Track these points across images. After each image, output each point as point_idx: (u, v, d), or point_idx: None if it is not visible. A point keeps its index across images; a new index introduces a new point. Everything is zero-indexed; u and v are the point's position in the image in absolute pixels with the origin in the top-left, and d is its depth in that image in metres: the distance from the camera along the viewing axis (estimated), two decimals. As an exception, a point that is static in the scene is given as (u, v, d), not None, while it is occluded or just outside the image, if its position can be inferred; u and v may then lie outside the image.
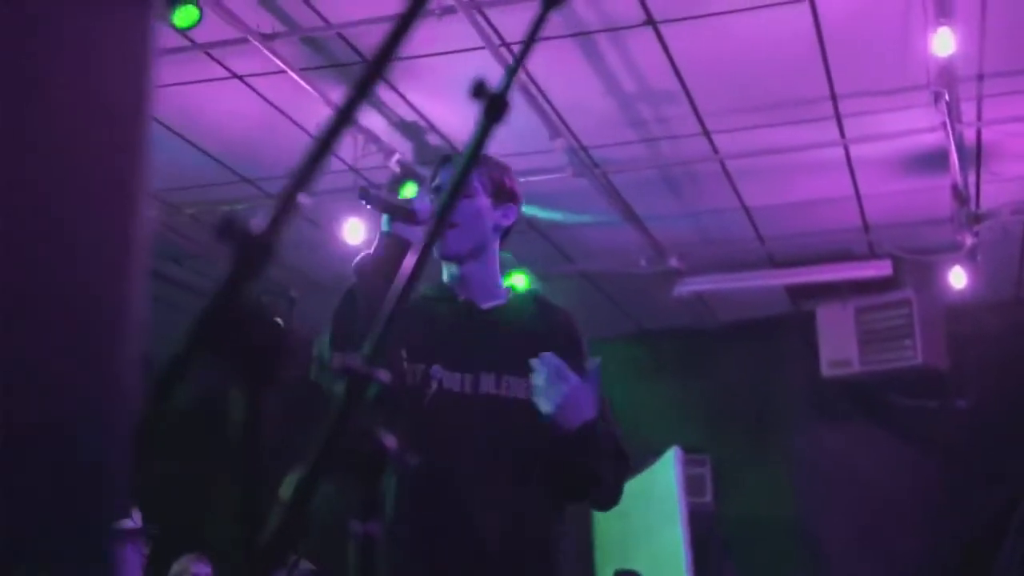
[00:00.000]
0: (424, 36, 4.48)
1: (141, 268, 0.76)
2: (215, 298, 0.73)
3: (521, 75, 4.80)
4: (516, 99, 4.83)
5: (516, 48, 4.79)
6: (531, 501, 2.38)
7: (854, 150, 5.70)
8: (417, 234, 2.43)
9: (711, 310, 8.07)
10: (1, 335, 0.73)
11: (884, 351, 7.17)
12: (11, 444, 0.74)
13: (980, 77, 4.93)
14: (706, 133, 5.53)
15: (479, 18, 4.31)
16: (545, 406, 2.33)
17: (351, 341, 2.27)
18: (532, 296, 2.69)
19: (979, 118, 5.32)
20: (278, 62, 4.58)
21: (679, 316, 7.94)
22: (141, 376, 0.77)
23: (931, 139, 5.36)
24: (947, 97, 4.65)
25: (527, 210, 6.28)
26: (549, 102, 5.13)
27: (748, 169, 5.91)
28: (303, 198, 0.79)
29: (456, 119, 5.25)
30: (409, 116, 5.30)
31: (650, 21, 4.50)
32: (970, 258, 6.41)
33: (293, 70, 4.65)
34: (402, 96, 5.11)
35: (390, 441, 0.94)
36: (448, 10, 4.19)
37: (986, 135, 5.52)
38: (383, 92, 5.08)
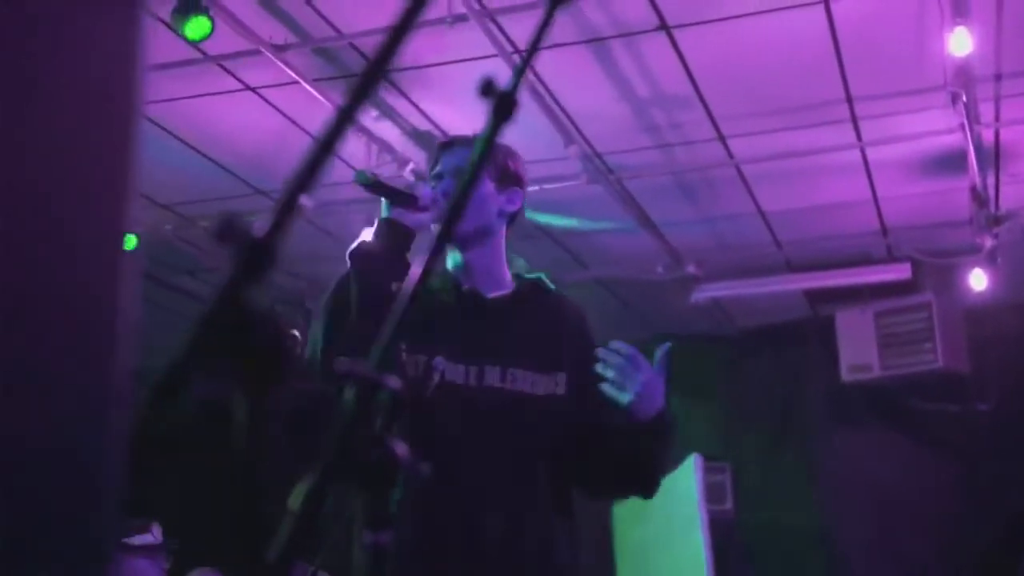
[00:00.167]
0: (436, 44, 4.47)
1: (132, 267, 0.74)
2: (216, 301, 0.71)
3: (534, 82, 4.78)
4: (530, 106, 4.84)
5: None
6: (534, 500, 2.29)
7: (871, 153, 5.66)
8: (418, 220, 2.35)
9: (729, 316, 8.04)
10: (1, 335, 0.72)
11: (904, 355, 7.12)
12: (11, 444, 0.73)
13: (998, 77, 4.89)
14: (721, 138, 5.50)
15: (491, 26, 4.30)
16: (623, 396, 2.26)
17: (344, 331, 2.20)
18: (540, 285, 2.55)
19: (997, 119, 5.27)
20: (291, 73, 4.57)
21: (697, 323, 7.90)
22: (134, 376, 0.75)
23: (949, 140, 5.31)
24: (965, 98, 4.61)
25: (542, 218, 6.27)
26: (563, 109, 5.11)
27: (764, 173, 5.88)
28: (306, 201, 0.77)
29: (470, 127, 5.20)
30: (423, 125, 5.28)
31: (663, 26, 4.48)
32: (990, 260, 6.36)
33: (306, 81, 4.64)
34: (415, 105, 5.10)
35: (402, 449, 0.91)
36: (460, 18, 4.17)
37: (1004, 136, 5.47)
38: (396, 101, 5.07)
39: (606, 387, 2.27)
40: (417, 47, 4.49)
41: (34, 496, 0.74)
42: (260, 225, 0.73)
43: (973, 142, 5.03)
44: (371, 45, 4.57)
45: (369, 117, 5.12)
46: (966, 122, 4.82)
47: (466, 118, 5.18)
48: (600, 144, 5.53)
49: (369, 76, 0.78)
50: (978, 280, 6.49)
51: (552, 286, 2.55)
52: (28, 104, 0.74)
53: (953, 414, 7.55)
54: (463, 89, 4.82)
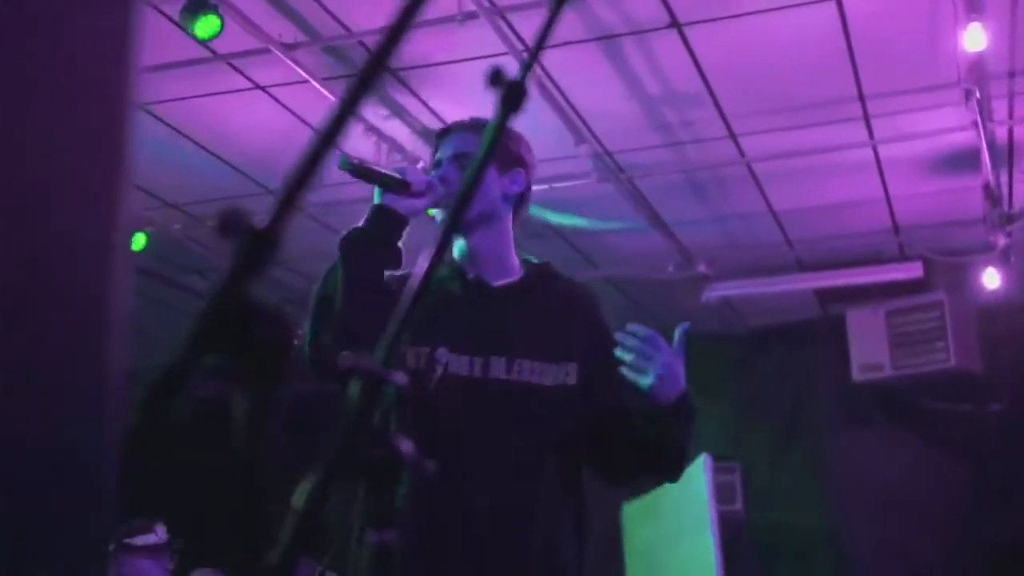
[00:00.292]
0: (446, 42, 4.46)
1: (126, 265, 0.73)
2: (216, 295, 0.69)
3: (545, 80, 4.76)
4: (540, 104, 4.81)
5: (540, 54, 4.75)
6: (541, 494, 2.21)
7: (883, 151, 5.63)
8: (411, 206, 2.26)
9: (740, 316, 8.01)
10: (1, 335, 0.71)
11: (916, 354, 7.08)
12: (11, 444, 0.71)
13: (1011, 74, 4.86)
14: (732, 136, 5.47)
15: (501, 23, 4.28)
16: (644, 379, 2.21)
17: (332, 322, 2.15)
18: (549, 270, 2.45)
19: (1011, 116, 5.24)
20: (300, 72, 4.56)
21: (707, 322, 7.87)
22: (129, 375, 0.74)
23: (962, 138, 5.28)
24: (978, 95, 4.58)
25: (552, 217, 6.25)
26: (573, 107, 5.09)
27: (775, 172, 5.85)
28: (311, 197, 0.76)
29: (480, 126, 5.22)
30: (433, 124, 5.27)
31: (674, 23, 4.45)
32: (1003, 259, 6.32)
33: (315, 79, 4.62)
34: (425, 104, 5.08)
35: (406, 446, 0.89)
36: (470, 15, 4.16)
37: (1018, 133, 5.44)
38: (406, 100, 5.05)
39: (626, 371, 2.22)
40: (427, 45, 4.48)
41: (34, 496, 0.73)
42: (261, 217, 0.72)
43: (986, 140, 5.00)
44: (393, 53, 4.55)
45: (379, 116, 5.11)
46: (979, 119, 4.79)
47: (476, 116, 5.17)
48: (611, 143, 5.51)
49: (371, 68, 0.76)
50: (991, 279, 6.46)
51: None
52: (27, 104, 0.73)
53: (965, 414, 7.50)
54: (473, 87, 4.77)
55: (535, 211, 5.94)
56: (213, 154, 5.61)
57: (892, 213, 6.44)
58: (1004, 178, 5.77)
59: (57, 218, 0.75)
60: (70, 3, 0.76)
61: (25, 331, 0.72)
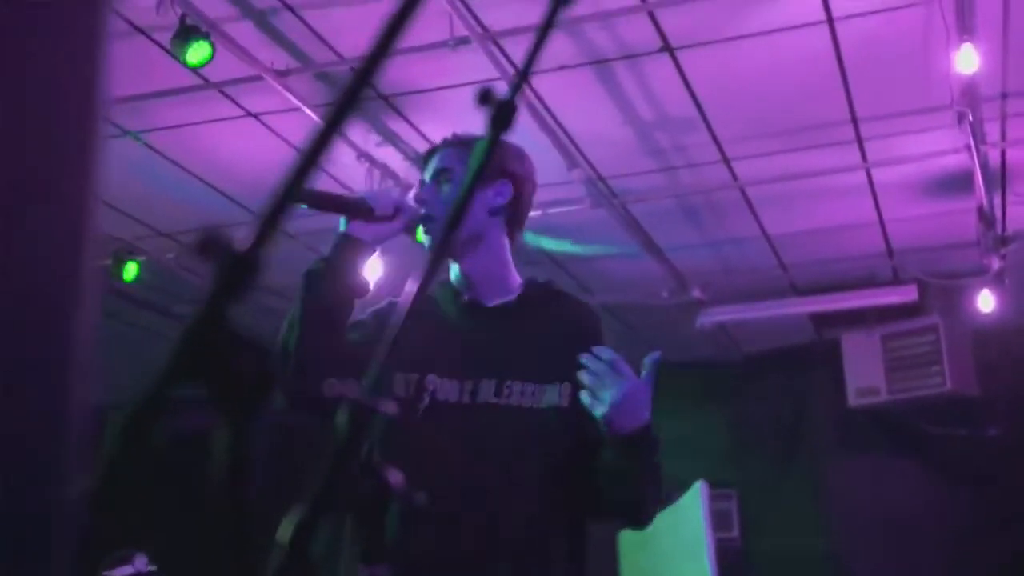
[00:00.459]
0: (438, 68, 4.45)
1: (94, 287, 0.70)
2: (196, 322, 0.67)
3: (537, 105, 4.75)
4: (532, 129, 4.80)
5: (532, 79, 4.77)
6: (534, 523, 2.10)
7: (877, 174, 5.63)
8: (376, 232, 2.19)
9: (734, 341, 7.99)
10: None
11: (912, 378, 7.06)
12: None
13: (1004, 96, 4.86)
14: (725, 160, 5.46)
15: (494, 49, 4.27)
16: (598, 406, 2.04)
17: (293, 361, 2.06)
18: (549, 288, 2.34)
19: (1003, 138, 5.24)
20: (293, 99, 4.54)
21: (702, 348, 7.86)
22: (92, 408, 0.71)
23: (955, 161, 5.28)
24: (971, 117, 4.57)
25: (546, 243, 6.23)
26: (566, 132, 5.08)
27: (769, 196, 5.84)
28: (302, 221, 0.73)
29: (472, 152, 5.20)
30: (425, 149, 5.25)
31: (667, 47, 4.45)
32: (997, 281, 6.31)
33: (308, 106, 4.61)
34: (417, 129, 5.07)
35: (395, 478, 0.86)
36: (462, 41, 4.15)
37: (1011, 156, 5.44)
38: (398, 126, 5.04)
39: (583, 395, 2.08)
40: (419, 70, 4.47)
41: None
42: (243, 239, 0.69)
43: (979, 162, 4.99)
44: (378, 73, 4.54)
45: (371, 142, 5.09)
46: (972, 142, 4.79)
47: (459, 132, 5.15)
48: (604, 168, 5.50)
49: (355, 84, 0.74)
50: (986, 302, 6.44)
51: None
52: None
53: (962, 438, 7.48)
54: (466, 112, 4.76)
55: (529, 238, 5.92)
56: (206, 182, 5.59)
57: (886, 236, 6.43)
58: (997, 200, 5.77)
59: (26, 233, 0.72)
60: (32, 14, 0.73)
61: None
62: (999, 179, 5.63)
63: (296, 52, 4.45)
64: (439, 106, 4.79)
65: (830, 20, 4.30)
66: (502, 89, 0.89)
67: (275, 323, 2.11)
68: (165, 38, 4.09)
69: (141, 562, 4.21)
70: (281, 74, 4.46)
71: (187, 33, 4.02)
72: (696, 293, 6.87)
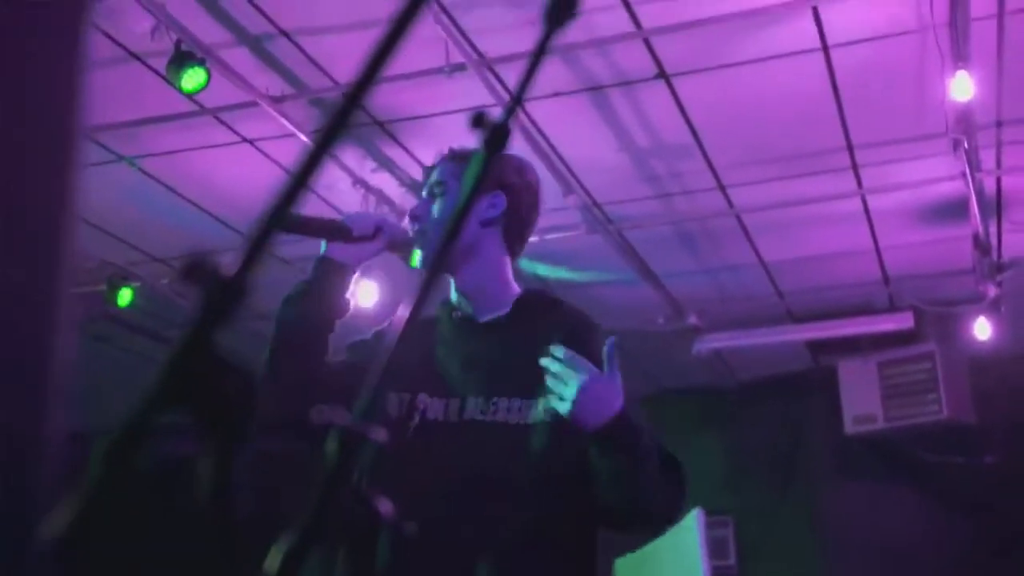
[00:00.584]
0: (434, 94, 4.45)
1: (70, 313, 0.68)
2: (181, 347, 0.65)
3: (532, 131, 4.75)
4: (528, 155, 4.79)
5: (528, 105, 4.77)
6: (526, 546, 2.00)
7: (872, 201, 5.63)
8: (356, 253, 2.17)
9: (730, 368, 7.97)
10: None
11: (908, 406, 7.04)
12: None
13: (999, 124, 4.87)
14: (721, 187, 5.46)
15: (489, 75, 4.28)
16: (563, 406, 1.93)
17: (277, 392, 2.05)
18: (543, 298, 2.28)
19: (999, 166, 5.25)
20: (288, 125, 4.54)
21: (698, 375, 7.84)
22: (67, 436, 0.69)
23: (950, 188, 5.28)
24: (966, 145, 4.57)
25: (541, 269, 6.22)
26: (561, 158, 5.08)
27: (765, 223, 5.84)
28: (280, 240, 0.71)
29: (468, 178, 5.19)
30: (421, 176, 5.25)
31: (662, 74, 4.45)
32: (993, 309, 6.30)
33: (303, 132, 4.60)
34: (412, 155, 5.07)
35: (385, 507, 0.85)
36: (458, 67, 4.15)
37: (1006, 183, 5.44)
38: (394, 152, 5.04)
39: (550, 399, 1.98)
40: (415, 97, 4.47)
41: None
42: (229, 263, 0.68)
43: (975, 189, 4.99)
44: (367, 95, 4.54)
45: (366, 168, 5.09)
46: (968, 169, 4.79)
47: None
48: (599, 194, 5.49)
49: (344, 106, 0.73)
50: (982, 329, 6.43)
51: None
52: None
53: (959, 466, 7.45)
54: (461, 139, 4.77)
55: (525, 264, 5.91)
56: (201, 208, 5.58)
57: (882, 263, 6.43)
58: (993, 228, 5.77)
59: (11, 232, 0.70)
60: (14, 30, 0.72)
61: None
62: (995, 206, 5.63)
63: (291, 78, 4.45)
64: (434, 132, 4.79)
65: (825, 48, 4.30)
66: (497, 115, 0.88)
67: (260, 346, 2.10)
68: (160, 64, 4.09)
69: None
70: (276, 100, 4.46)
71: (182, 59, 4.02)
72: (692, 320, 6.86)
